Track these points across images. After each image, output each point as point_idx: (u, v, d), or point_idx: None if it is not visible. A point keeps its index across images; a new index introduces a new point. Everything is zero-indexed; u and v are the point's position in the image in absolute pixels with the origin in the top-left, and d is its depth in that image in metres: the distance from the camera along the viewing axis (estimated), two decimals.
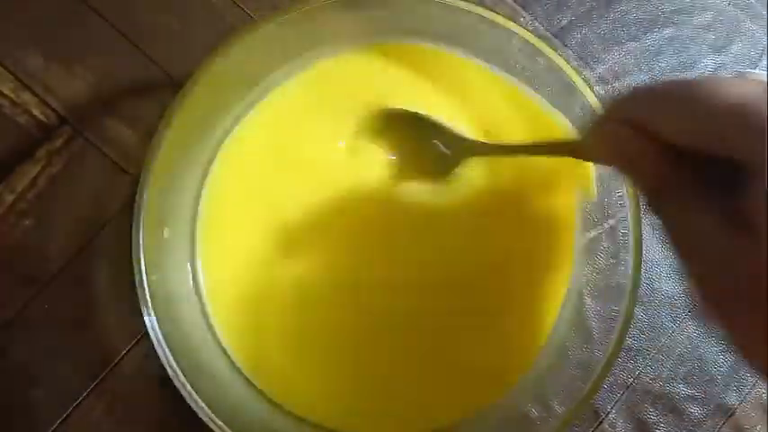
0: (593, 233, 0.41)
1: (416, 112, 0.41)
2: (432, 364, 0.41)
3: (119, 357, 0.41)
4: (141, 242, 0.35)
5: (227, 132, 0.41)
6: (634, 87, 0.26)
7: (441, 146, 0.41)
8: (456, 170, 0.41)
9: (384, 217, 0.42)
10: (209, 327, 0.40)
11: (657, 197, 0.26)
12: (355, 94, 0.42)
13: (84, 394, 0.41)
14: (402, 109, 0.41)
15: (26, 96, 0.43)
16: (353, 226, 0.41)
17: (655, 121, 0.24)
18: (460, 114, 0.42)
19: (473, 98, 0.43)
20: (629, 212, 0.38)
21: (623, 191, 0.38)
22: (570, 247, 0.42)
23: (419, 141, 0.41)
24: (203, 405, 0.33)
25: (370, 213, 0.42)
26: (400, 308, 0.41)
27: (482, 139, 0.42)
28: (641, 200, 0.26)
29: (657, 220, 0.26)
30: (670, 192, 0.25)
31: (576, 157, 0.32)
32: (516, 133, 0.42)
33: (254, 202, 0.41)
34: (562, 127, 0.41)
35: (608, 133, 0.27)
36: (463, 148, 0.41)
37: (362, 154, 0.42)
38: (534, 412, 0.39)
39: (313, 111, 0.42)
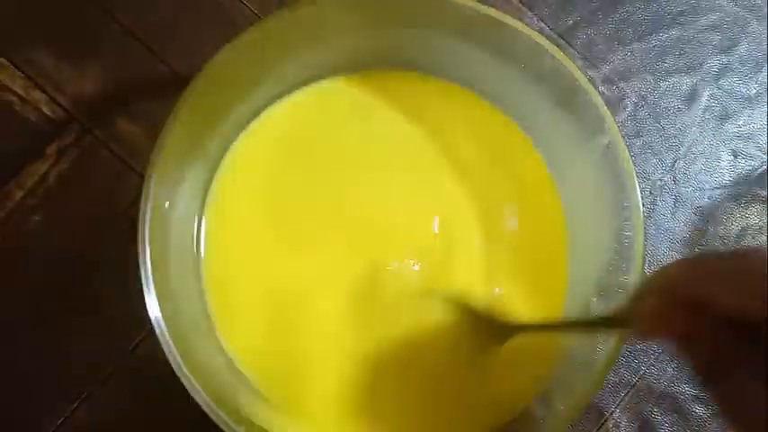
0: (597, 233, 0.41)
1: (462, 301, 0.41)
2: (436, 393, 0.41)
3: (127, 351, 0.42)
4: (147, 238, 0.35)
5: (235, 130, 0.41)
6: (677, 261, 0.26)
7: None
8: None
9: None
10: (211, 324, 0.40)
11: (714, 372, 0.25)
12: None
13: (91, 389, 0.41)
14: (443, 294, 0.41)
15: (36, 94, 0.43)
16: (358, 233, 0.42)
17: (715, 295, 0.24)
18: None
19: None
20: (632, 213, 0.38)
21: (627, 197, 0.38)
22: (564, 243, 0.43)
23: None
24: (207, 399, 0.33)
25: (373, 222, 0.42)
26: (402, 314, 0.41)
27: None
28: (691, 369, 0.26)
29: (711, 395, 0.25)
30: (726, 366, 0.24)
31: (624, 328, 0.31)
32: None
33: (260, 199, 0.41)
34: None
35: (655, 306, 0.26)
36: (505, 330, 0.39)
37: None
38: (538, 411, 0.39)
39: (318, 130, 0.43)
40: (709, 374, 0.25)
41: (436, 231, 0.42)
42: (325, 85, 0.43)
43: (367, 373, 0.41)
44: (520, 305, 0.42)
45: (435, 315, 0.41)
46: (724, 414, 0.24)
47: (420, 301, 0.41)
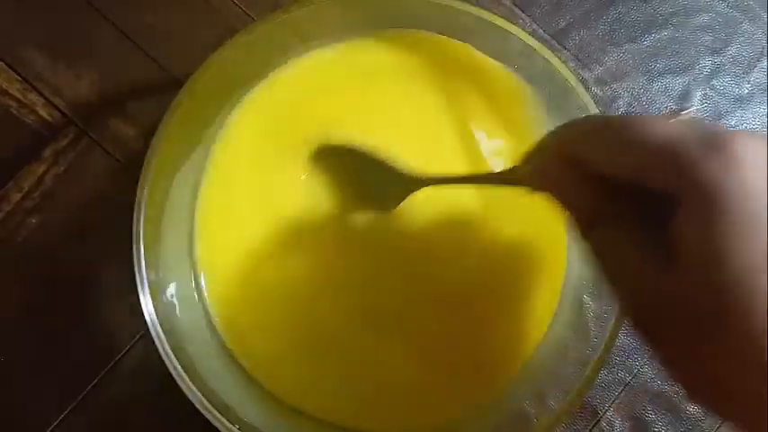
0: None
1: (352, 147, 0.41)
2: (427, 362, 0.42)
3: (121, 354, 0.42)
4: (141, 239, 0.36)
5: (227, 125, 0.42)
6: (570, 121, 0.28)
7: (384, 179, 0.41)
8: (403, 203, 0.41)
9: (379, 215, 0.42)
10: (209, 323, 0.40)
11: (589, 227, 0.26)
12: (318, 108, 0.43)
13: (87, 390, 0.42)
14: (339, 145, 0.41)
15: (33, 97, 0.44)
16: (350, 221, 0.42)
17: (587, 153, 0.25)
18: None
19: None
20: None
21: None
22: (563, 243, 0.43)
23: (361, 175, 0.41)
24: (201, 397, 0.34)
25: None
26: (393, 308, 0.42)
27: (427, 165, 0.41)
28: (572, 227, 0.27)
29: (588, 246, 0.27)
30: (601, 223, 0.26)
31: (516, 185, 0.33)
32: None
33: (251, 195, 0.41)
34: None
35: (541, 164, 0.28)
36: (405, 183, 0.40)
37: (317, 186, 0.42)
38: (530, 408, 0.40)
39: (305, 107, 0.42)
40: (584, 231, 0.27)
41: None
42: (321, 53, 0.43)
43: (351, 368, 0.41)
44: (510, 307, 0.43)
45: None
46: (598, 265, 0.26)
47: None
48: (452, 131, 0.43)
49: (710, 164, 0.21)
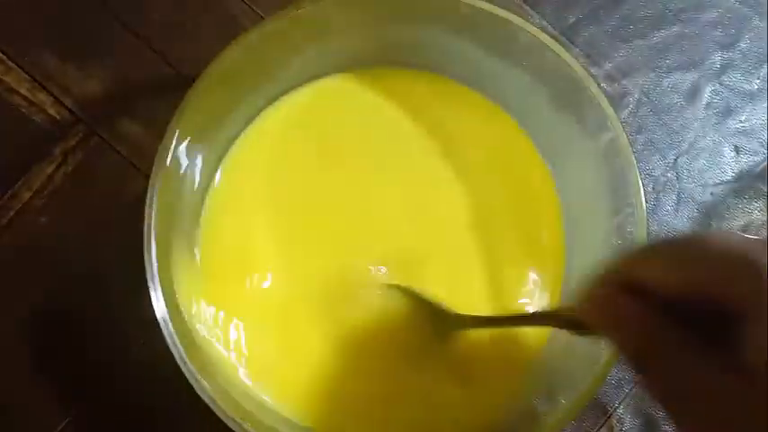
0: (600, 230, 0.42)
1: (414, 292, 0.41)
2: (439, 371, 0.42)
3: (133, 350, 0.42)
4: (153, 239, 0.35)
5: (238, 131, 0.42)
6: (627, 250, 0.28)
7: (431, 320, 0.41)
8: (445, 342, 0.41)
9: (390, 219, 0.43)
10: (216, 321, 0.40)
11: (644, 357, 0.26)
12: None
13: (97, 389, 0.42)
14: (399, 286, 0.41)
15: (42, 96, 0.44)
16: (363, 228, 0.42)
17: (654, 274, 0.25)
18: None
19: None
20: (635, 210, 0.38)
21: (630, 192, 0.39)
22: (561, 241, 0.44)
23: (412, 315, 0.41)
24: (212, 395, 0.34)
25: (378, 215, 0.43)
26: (399, 312, 0.42)
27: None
28: (623, 356, 0.27)
29: (642, 379, 0.26)
30: (656, 350, 0.25)
31: (569, 325, 0.32)
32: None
33: (263, 199, 0.42)
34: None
35: (601, 295, 0.27)
36: (452, 323, 0.40)
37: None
38: (541, 406, 0.39)
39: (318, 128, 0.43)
40: (638, 361, 0.26)
41: (429, 230, 0.43)
42: (328, 82, 0.43)
43: (338, 367, 0.41)
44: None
45: (394, 307, 0.41)
46: (660, 400, 0.25)
47: (382, 292, 0.41)
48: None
49: None
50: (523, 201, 0.44)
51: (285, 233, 0.42)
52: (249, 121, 0.42)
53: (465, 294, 0.42)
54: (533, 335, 0.42)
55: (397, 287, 0.41)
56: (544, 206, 0.44)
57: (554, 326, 0.36)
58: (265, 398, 0.40)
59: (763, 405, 0.22)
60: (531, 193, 0.44)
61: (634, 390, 0.45)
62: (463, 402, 0.41)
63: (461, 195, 0.43)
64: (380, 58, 0.44)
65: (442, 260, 0.43)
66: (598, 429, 0.45)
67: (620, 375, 0.45)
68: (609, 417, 0.45)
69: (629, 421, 0.45)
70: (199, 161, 0.39)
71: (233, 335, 0.40)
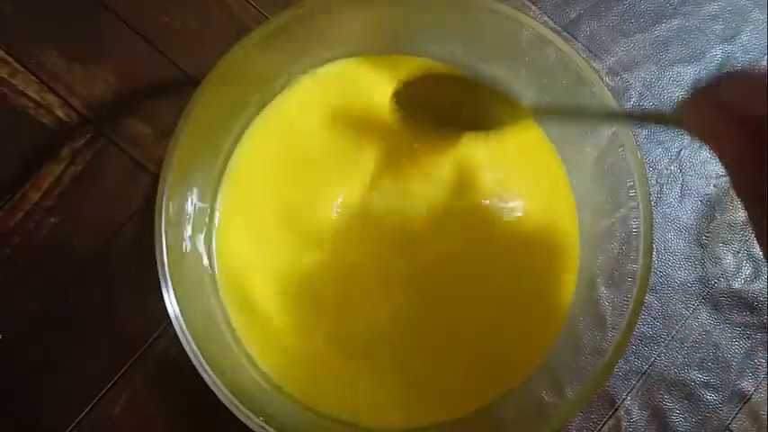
0: (605, 222, 0.42)
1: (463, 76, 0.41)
2: (447, 353, 0.42)
3: (144, 346, 0.42)
4: (164, 237, 0.36)
5: (244, 128, 0.42)
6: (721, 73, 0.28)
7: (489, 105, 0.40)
8: (506, 126, 0.40)
9: (399, 214, 0.42)
10: (227, 320, 0.41)
11: (743, 167, 0.27)
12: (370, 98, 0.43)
13: (110, 385, 0.42)
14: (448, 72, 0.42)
15: (50, 97, 0.44)
16: (367, 221, 0.42)
17: (741, 103, 0.26)
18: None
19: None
20: (639, 202, 0.39)
21: (635, 181, 0.39)
22: (575, 236, 0.43)
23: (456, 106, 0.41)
24: (225, 390, 0.34)
25: (384, 210, 0.43)
26: (415, 299, 0.42)
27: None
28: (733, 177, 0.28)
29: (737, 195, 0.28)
30: (750, 161, 0.26)
31: (674, 125, 0.33)
32: None
33: (270, 196, 0.42)
34: None
35: (701, 116, 0.28)
36: (515, 113, 0.39)
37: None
38: (548, 398, 0.40)
39: (328, 113, 0.43)
40: (737, 172, 0.27)
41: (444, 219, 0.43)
42: (332, 68, 0.43)
43: (372, 364, 0.41)
44: (528, 300, 0.43)
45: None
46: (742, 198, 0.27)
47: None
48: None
49: None
50: (540, 192, 0.44)
51: (301, 226, 0.42)
52: (256, 115, 0.43)
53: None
54: (550, 322, 0.42)
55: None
56: (558, 198, 0.44)
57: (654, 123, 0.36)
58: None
59: None
60: (547, 185, 0.44)
61: (641, 381, 0.46)
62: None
63: (474, 185, 0.43)
64: (384, 49, 0.44)
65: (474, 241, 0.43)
66: (605, 421, 0.45)
67: (627, 368, 0.46)
68: (616, 409, 0.45)
69: (636, 413, 0.45)
70: (208, 160, 0.40)
71: (247, 326, 0.41)
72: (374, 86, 0.43)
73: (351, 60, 0.43)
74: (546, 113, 0.41)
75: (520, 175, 0.44)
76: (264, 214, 0.42)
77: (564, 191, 0.44)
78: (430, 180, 0.43)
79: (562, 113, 0.40)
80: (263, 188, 0.42)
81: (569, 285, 0.43)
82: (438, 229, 0.42)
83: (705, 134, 0.28)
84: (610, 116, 0.39)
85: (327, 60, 0.43)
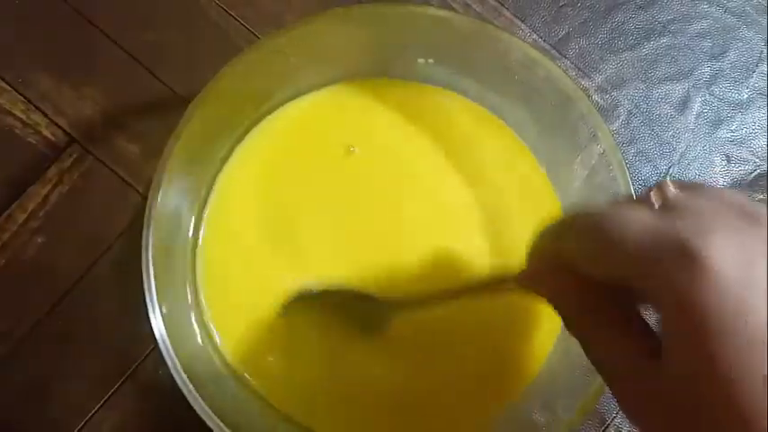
0: None
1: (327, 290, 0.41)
2: (436, 376, 0.42)
3: (132, 368, 0.42)
4: (150, 258, 0.35)
5: (232, 149, 0.42)
6: (550, 225, 0.28)
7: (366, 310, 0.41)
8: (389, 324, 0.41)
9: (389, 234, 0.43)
10: (213, 340, 0.41)
11: (577, 320, 0.27)
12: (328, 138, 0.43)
13: (97, 407, 0.42)
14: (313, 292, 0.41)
15: (36, 117, 0.44)
16: (355, 240, 0.42)
17: (574, 261, 0.26)
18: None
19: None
20: None
21: (619, 191, 0.39)
22: None
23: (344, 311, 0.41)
24: (211, 414, 0.34)
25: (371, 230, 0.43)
26: (406, 331, 0.41)
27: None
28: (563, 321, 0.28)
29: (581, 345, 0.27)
30: (587, 316, 0.26)
31: (507, 289, 0.33)
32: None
33: (257, 218, 0.42)
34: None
35: (532, 269, 0.29)
36: (392, 307, 0.40)
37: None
38: (540, 419, 0.40)
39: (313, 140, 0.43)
40: (570, 323, 0.27)
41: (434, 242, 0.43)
42: (324, 93, 0.43)
43: (359, 383, 0.41)
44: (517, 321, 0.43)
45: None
46: (592, 362, 0.27)
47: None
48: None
49: (682, 275, 0.21)
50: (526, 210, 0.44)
51: (286, 248, 0.42)
52: (243, 135, 0.42)
53: None
54: (537, 347, 0.42)
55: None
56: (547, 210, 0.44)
57: (495, 290, 0.36)
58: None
59: (666, 391, 0.22)
60: (535, 202, 0.44)
61: None
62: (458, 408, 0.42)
63: (463, 206, 0.43)
64: (374, 72, 0.44)
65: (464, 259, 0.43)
66: None
67: None
68: (607, 426, 0.45)
69: (626, 431, 0.45)
70: (196, 181, 0.39)
71: (231, 352, 0.40)
72: (363, 111, 0.43)
73: (341, 85, 0.43)
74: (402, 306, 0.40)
75: (508, 194, 0.44)
76: (250, 233, 0.41)
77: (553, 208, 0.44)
78: None
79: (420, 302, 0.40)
80: (248, 206, 0.42)
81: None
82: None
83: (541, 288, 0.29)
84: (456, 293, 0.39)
85: (318, 84, 0.43)
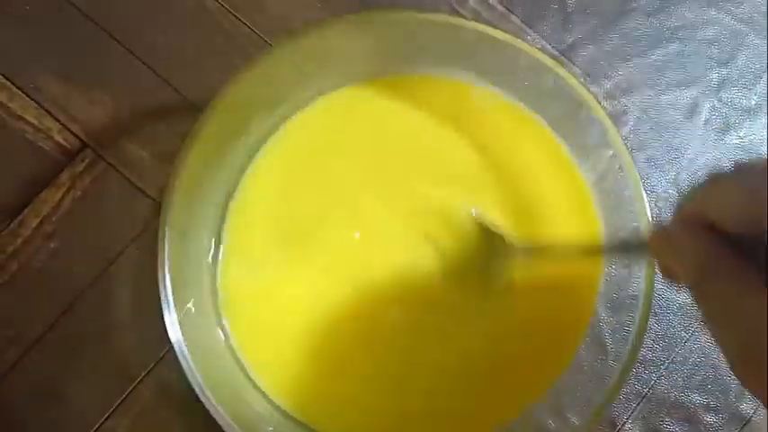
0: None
1: (488, 228, 0.42)
2: (450, 384, 0.42)
3: (144, 373, 0.42)
4: (167, 261, 0.36)
5: (251, 153, 0.42)
6: (695, 185, 0.28)
7: (495, 262, 0.41)
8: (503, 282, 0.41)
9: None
10: (230, 345, 0.41)
11: (700, 281, 0.27)
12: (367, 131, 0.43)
13: (109, 413, 0.42)
14: (478, 221, 0.42)
15: (48, 122, 0.44)
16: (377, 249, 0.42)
17: (713, 215, 0.26)
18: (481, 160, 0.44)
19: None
20: (641, 226, 0.39)
21: (634, 207, 0.39)
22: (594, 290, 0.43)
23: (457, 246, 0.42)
24: (229, 419, 0.34)
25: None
26: (419, 328, 0.42)
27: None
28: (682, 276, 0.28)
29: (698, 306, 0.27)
30: (714, 278, 0.26)
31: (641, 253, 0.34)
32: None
33: (276, 224, 0.42)
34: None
35: (673, 230, 0.28)
36: (513, 255, 0.40)
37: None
38: (552, 425, 0.40)
39: (333, 143, 0.43)
40: (698, 287, 0.27)
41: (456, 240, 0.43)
42: (338, 95, 0.43)
43: (386, 386, 0.41)
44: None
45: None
46: (712, 322, 0.26)
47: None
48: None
49: None
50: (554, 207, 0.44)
51: (305, 255, 0.42)
52: (261, 142, 0.42)
53: None
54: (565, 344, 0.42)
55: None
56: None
57: (620, 255, 0.37)
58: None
59: None
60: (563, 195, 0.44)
61: (642, 404, 0.45)
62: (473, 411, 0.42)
63: (489, 204, 0.43)
64: (387, 71, 0.44)
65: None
66: None
67: (628, 391, 0.46)
68: (618, 431, 0.45)
69: None
70: (212, 184, 0.39)
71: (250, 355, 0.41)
72: (380, 112, 0.43)
73: (354, 86, 0.44)
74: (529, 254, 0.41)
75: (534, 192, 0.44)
76: (270, 241, 0.42)
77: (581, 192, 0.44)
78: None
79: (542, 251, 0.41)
80: (269, 214, 0.42)
81: (582, 321, 0.42)
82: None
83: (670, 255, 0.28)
84: (584, 251, 0.40)
85: (332, 87, 0.43)
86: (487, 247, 0.41)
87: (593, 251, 0.39)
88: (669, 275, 0.29)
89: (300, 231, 0.42)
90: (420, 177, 0.43)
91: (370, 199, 0.42)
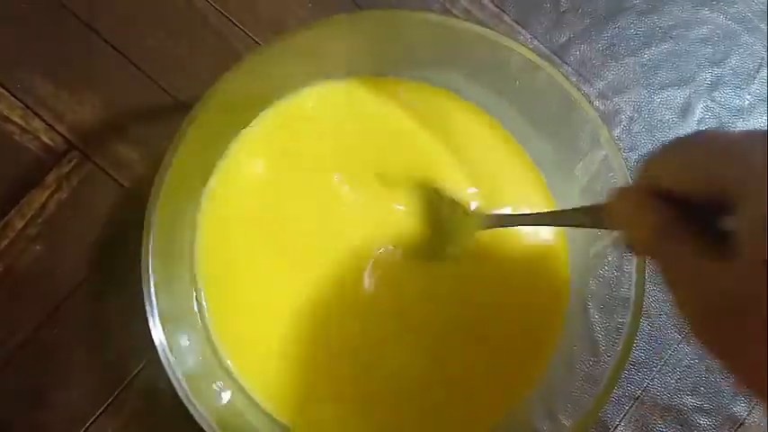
0: (596, 247, 0.42)
1: (437, 189, 0.42)
2: (438, 383, 0.41)
3: (130, 377, 0.42)
4: (150, 263, 0.35)
5: (232, 150, 0.42)
6: (649, 154, 0.28)
7: (448, 224, 0.42)
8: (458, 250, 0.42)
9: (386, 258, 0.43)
10: (214, 347, 0.40)
11: (657, 247, 0.27)
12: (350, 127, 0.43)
13: (97, 414, 0.41)
14: (431, 187, 0.42)
15: (35, 123, 0.43)
16: (354, 248, 0.42)
17: (665, 182, 0.26)
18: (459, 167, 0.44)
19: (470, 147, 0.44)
20: None
21: None
22: (566, 273, 0.44)
23: (429, 215, 0.42)
24: (210, 421, 0.33)
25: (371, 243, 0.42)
26: (404, 330, 0.41)
27: (482, 202, 0.43)
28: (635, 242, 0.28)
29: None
30: (664, 240, 0.27)
31: (591, 225, 0.34)
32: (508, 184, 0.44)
33: (254, 222, 0.41)
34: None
35: (624, 199, 0.29)
36: (475, 223, 0.41)
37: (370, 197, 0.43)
38: (543, 427, 0.39)
39: (311, 138, 0.43)
40: (649, 249, 0.28)
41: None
42: (318, 90, 0.43)
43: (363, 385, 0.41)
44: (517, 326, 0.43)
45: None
46: (664, 279, 0.27)
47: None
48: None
49: None
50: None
51: (285, 248, 0.41)
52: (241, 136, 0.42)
53: None
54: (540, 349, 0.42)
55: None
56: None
57: (575, 224, 0.36)
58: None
59: (743, 288, 0.23)
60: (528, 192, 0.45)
61: (634, 406, 0.45)
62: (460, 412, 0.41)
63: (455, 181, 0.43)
64: (374, 71, 0.44)
65: None
66: None
67: (620, 393, 0.45)
68: None
69: None
70: (197, 185, 0.39)
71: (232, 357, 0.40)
72: (366, 107, 0.43)
73: (342, 81, 0.43)
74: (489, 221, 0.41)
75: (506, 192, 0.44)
76: (248, 237, 0.41)
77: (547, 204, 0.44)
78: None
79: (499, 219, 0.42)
80: (247, 214, 0.41)
81: (559, 312, 0.42)
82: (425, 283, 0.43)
83: (627, 217, 0.29)
84: (540, 219, 0.40)
85: (314, 83, 0.43)
86: (450, 217, 0.42)
87: (548, 219, 0.40)
88: (629, 244, 0.29)
89: (277, 225, 0.41)
90: (393, 165, 0.43)
91: (344, 188, 0.43)
